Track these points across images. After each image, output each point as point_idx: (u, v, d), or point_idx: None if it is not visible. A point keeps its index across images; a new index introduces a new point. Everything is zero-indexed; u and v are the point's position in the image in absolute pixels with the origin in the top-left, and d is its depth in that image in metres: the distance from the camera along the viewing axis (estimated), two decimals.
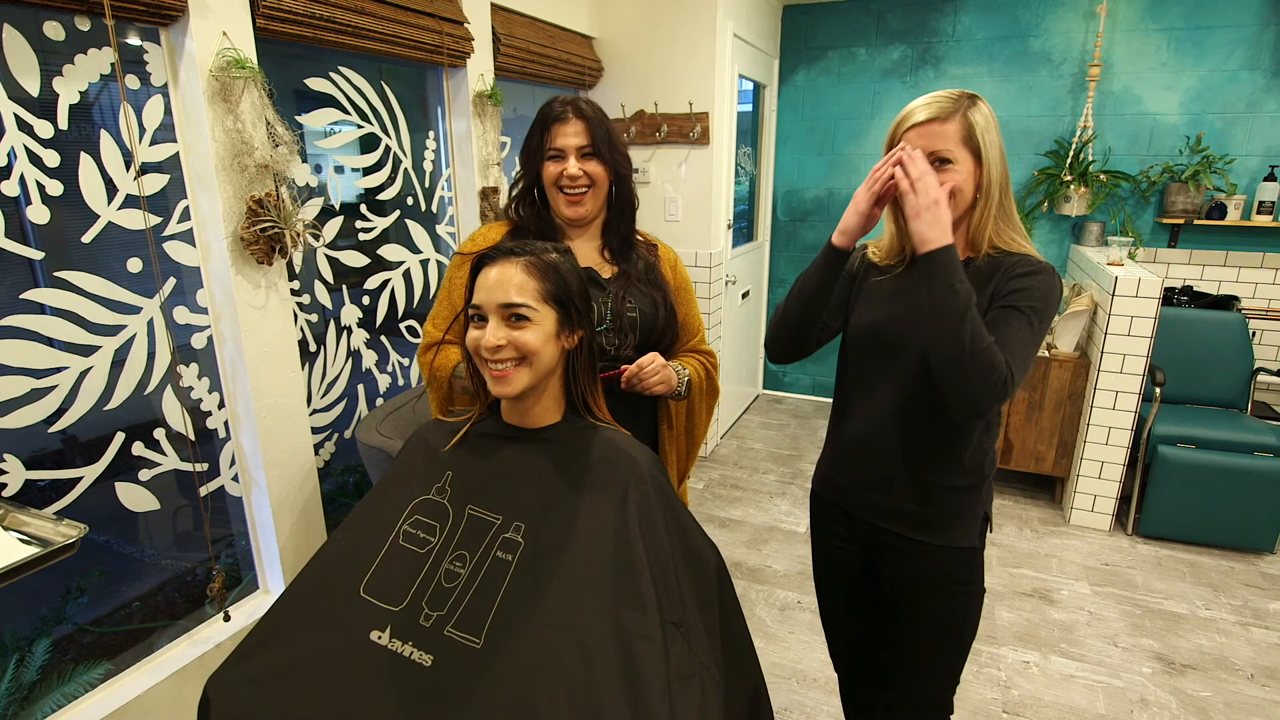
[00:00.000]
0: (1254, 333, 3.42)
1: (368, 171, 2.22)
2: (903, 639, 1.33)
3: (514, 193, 1.48)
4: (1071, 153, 3.53)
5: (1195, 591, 2.62)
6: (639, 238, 1.53)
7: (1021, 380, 1.09)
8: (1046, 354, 3.08)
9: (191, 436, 1.72)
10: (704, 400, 1.52)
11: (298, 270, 1.97)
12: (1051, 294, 1.16)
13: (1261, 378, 3.37)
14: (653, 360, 1.33)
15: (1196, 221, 3.45)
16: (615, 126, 1.43)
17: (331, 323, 2.13)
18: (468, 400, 1.43)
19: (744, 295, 4.09)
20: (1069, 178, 3.53)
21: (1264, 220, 3.35)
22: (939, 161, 1.15)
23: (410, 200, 2.40)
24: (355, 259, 2.19)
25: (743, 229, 4.15)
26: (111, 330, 1.55)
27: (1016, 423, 3.19)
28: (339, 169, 2.15)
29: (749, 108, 4.02)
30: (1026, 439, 3.19)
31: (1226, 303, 3.28)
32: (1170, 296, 3.37)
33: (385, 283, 2.32)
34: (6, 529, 1.14)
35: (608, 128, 1.41)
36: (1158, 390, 2.89)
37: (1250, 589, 2.63)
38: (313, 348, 2.05)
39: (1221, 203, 3.40)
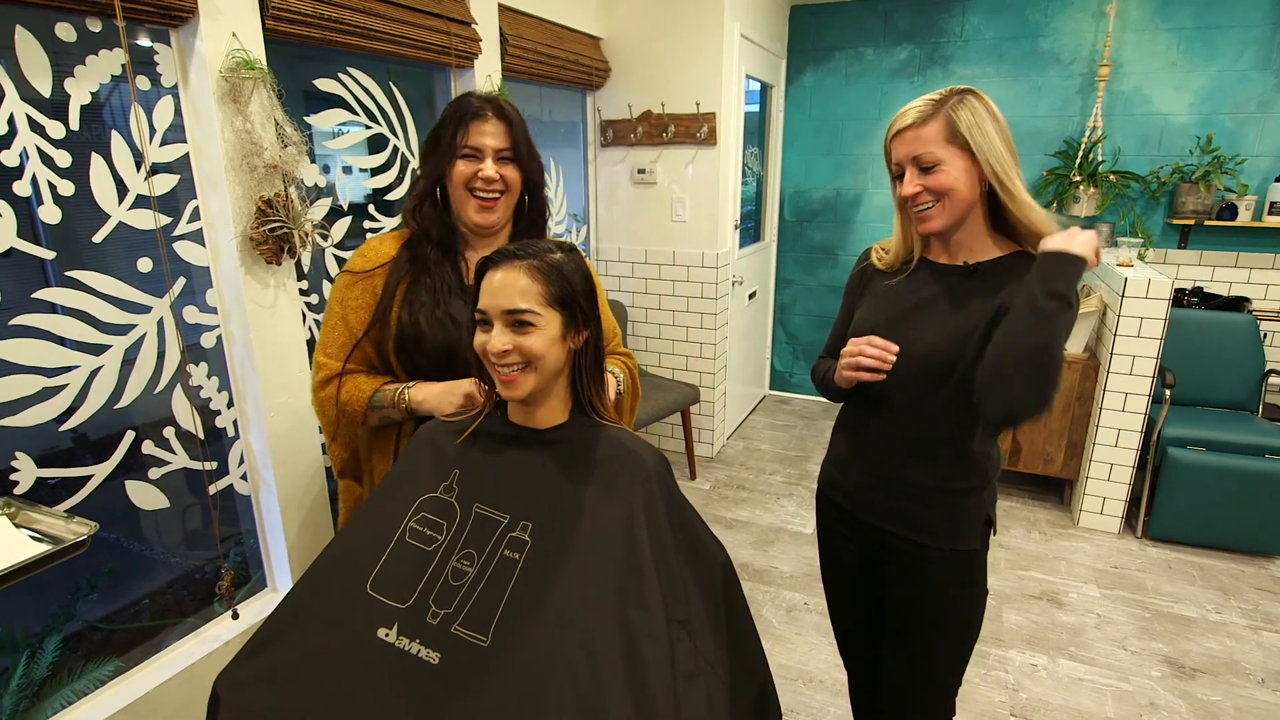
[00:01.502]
0: (1265, 334, 3.40)
1: (376, 172, 2.23)
2: (903, 640, 1.33)
3: (418, 198, 1.33)
4: (1081, 153, 3.51)
5: (1205, 595, 2.60)
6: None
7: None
8: None
9: (201, 435, 1.73)
10: (628, 401, 1.49)
11: (306, 270, 1.98)
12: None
13: (1273, 380, 3.34)
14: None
15: (1207, 222, 3.43)
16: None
17: None
18: (367, 436, 1.35)
19: (751, 296, 4.08)
20: (1078, 178, 3.51)
21: (1275, 221, 3.33)
22: (923, 169, 1.14)
23: None
24: None
25: (750, 229, 4.15)
26: (122, 329, 1.56)
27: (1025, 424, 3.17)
28: (347, 169, 2.16)
29: (756, 108, 4.02)
30: (1035, 440, 3.17)
31: (1237, 304, 3.26)
32: (1180, 298, 3.35)
33: None
34: (18, 526, 1.15)
35: (526, 132, 1.32)
36: (1168, 392, 2.87)
37: (1261, 592, 2.61)
38: None
39: (1232, 203, 3.38)
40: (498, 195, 1.30)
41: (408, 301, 1.32)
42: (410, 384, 1.31)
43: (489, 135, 1.28)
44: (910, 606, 1.31)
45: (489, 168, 1.28)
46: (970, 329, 1.17)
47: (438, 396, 1.27)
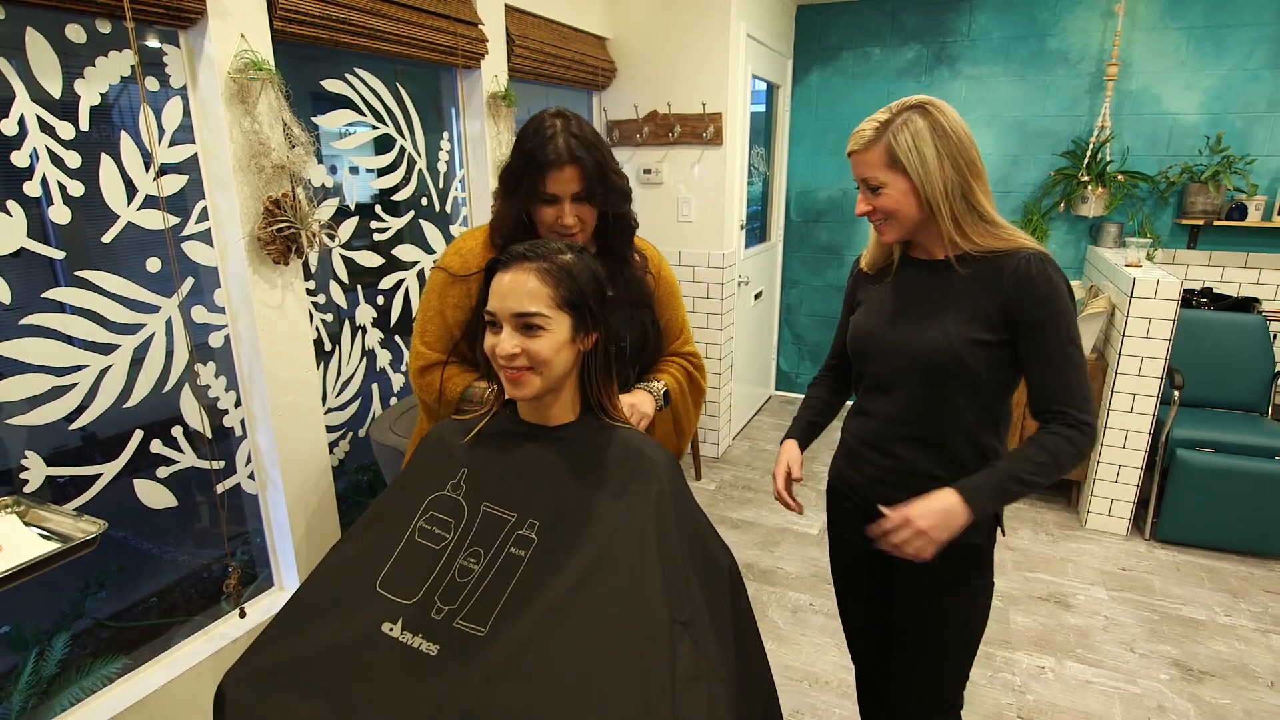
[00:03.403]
0: (1275, 335, 3.37)
1: (382, 172, 2.24)
2: (910, 634, 1.35)
3: (507, 229, 1.35)
4: (1089, 153, 3.49)
5: (1214, 597, 2.58)
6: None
7: (1086, 394, 1.17)
8: None
9: (208, 434, 1.74)
10: (688, 401, 1.52)
11: (313, 270, 1.99)
12: (1065, 298, 1.16)
13: None
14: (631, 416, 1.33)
15: (1216, 222, 3.40)
16: (609, 151, 1.34)
17: (346, 322, 2.14)
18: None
19: (757, 296, 4.08)
20: (1086, 178, 3.49)
21: None
22: (871, 190, 1.21)
23: (424, 201, 2.41)
24: (370, 259, 2.20)
25: (755, 229, 4.14)
26: (131, 329, 1.57)
27: (1031, 426, 3.15)
28: (354, 170, 2.17)
29: (762, 108, 4.01)
30: None
31: (1247, 305, 3.24)
32: (1189, 298, 3.32)
33: (399, 283, 2.34)
34: (28, 525, 1.16)
35: (601, 161, 1.30)
36: (1176, 393, 2.85)
37: (1271, 595, 2.59)
38: (328, 347, 2.07)
39: (1242, 203, 3.36)
40: (576, 233, 1.33)
41: None
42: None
43: (565, 182, 1.28)
44: (918, 600, 1.32)
45: (567, 214, 1.30)
46: (964, 321, 1.19)
47: None
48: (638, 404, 1.36)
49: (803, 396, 1.54)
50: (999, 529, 1.32)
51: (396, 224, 2.29)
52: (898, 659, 1.40)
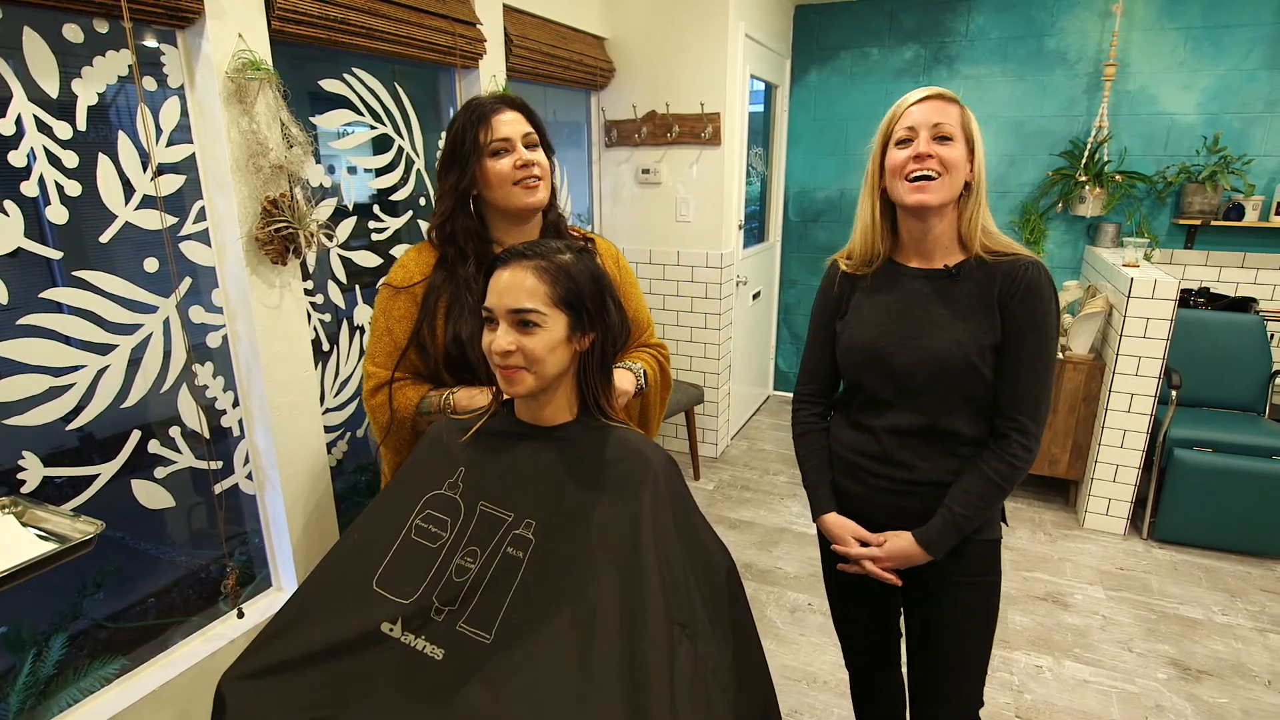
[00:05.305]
0: (1272, 335, 3.38)
1: (380, 172, 2.24)
2: (934, 635, 1.33)
3: (444, 215, 1.35)
4: (1086, 153, 3.49)
5: (1212, 597, 2.59)
6: (573, 232, 1.50)
7: (1045, 412, 1.21)
8: (1061, 356, 3.06)
9: (206, 435, 1.73)
10: (658, 394, 1.53)
11: (311, 270, 1.99)
12: (1055, 313, 1.19)
13: None
14: None
15: (1214, 222, 3.41)
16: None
17: (344, 322, 2.14)
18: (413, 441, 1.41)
19: (755, 296, 4.08)
20: (1084, 178, 3.50)
21: None
22: (941, 139, 1.16)
23: (422, 201, 2.41)
24: (368, 259, 2.20)
25: (754, 229, 4.15)
26: (128, 329, 1.57)
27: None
28: (352, 170, 2.16)
29: (760, 108, 4.01)
30: (1040, 441, 3.16)
31: (1244, 305, 3.24)
32: (1187, 298, 3.33)
33: None
34: (25, 525, 1.16)
35: (539, 121, 1.37)
36: (1174, 393, 2.86)
37: (1268, 594, 2.60)
38: (326, 347, 2.07)
39: (1239, 203, 3.36)
40: (539, 177, 1.34)
41: (450, 321, 1.35)
42: (454, 389, 1.35)
43: (513, 123, 1.32)
44: (943, 602, 1.30)
45: (524, 154, 1.31)
46: (975, 329, 1.19)
47: (482, 400, 1.32)
48: (617, 382, 1.33)
49: (795, 439, 1.47)
50: (1003, 522, 1.32)
51: (394, 224, 2.29)
52: (918, 663, 1.36)
